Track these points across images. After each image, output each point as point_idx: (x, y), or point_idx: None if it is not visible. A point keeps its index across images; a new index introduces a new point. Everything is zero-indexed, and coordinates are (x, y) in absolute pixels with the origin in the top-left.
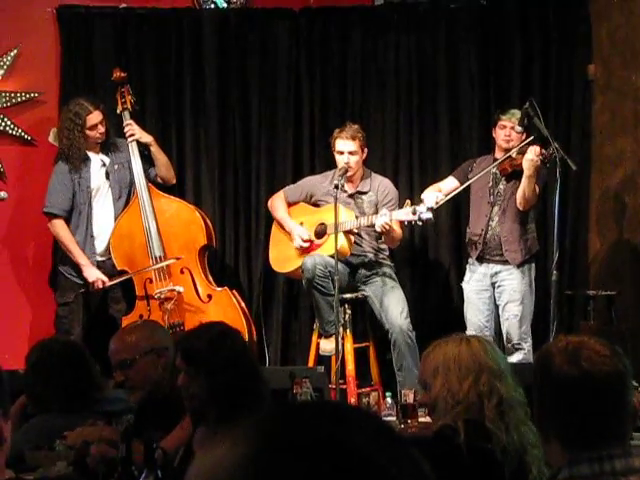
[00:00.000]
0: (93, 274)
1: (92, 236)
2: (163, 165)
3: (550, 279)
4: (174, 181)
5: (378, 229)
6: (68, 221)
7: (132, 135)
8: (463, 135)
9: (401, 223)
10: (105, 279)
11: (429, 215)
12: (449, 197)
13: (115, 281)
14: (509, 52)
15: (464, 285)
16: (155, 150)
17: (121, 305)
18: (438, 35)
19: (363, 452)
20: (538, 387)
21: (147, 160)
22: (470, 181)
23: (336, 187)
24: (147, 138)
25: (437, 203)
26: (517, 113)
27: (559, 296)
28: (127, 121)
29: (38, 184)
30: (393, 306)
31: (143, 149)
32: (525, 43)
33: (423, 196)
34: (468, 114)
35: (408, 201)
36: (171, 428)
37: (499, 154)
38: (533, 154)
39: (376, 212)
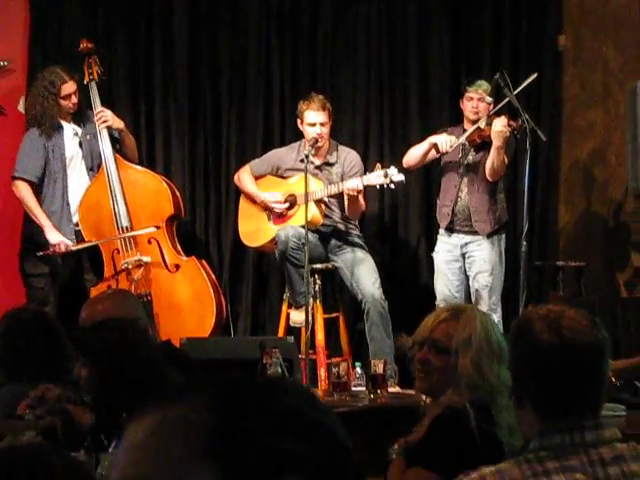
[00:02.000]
0: (56, 237)
1: (68, 204)
2: (130, 149)
3: (519, 250)
4: (137, 162)
5: (345, 192)
6: (39, 188)
7: (105, 122)
8: (433, 104)
9: (367, 192)
10: (68, 243)
11: (401, 177)
12: (447, 151)
13: (78, 247)
14: (479, 22)
15: (434, 255)
16: (125, 135)
17: (90, 276)
18: (408, 4)
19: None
20: (516, 353)
21: (112, 135)
22: (460, 140)
23: (306, 157)
24: (119, 124)
25: (451, 147)
26: (484, 84)
27: (528, 267)
28: (100, 107)
29: (7, 153)
30: (365, 276)
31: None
32: (495, 13)
33: (433, 139)
34: (438, 84)
35: (379, 164)
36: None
37: (468, 125)
38: (501, 125)
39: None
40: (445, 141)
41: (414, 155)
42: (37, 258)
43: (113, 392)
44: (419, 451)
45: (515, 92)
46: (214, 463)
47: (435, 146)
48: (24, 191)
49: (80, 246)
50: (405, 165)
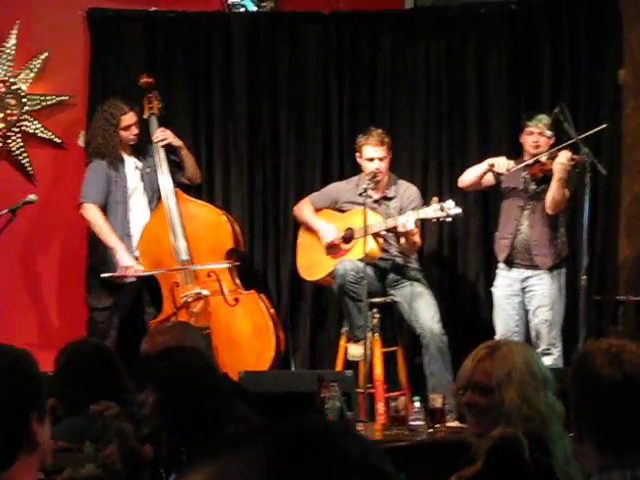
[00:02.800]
0: (127, 260)
1: (129, 235)
2: (190, 167)
3: (579, 284)
4: (200, 180)
5: (399, 227)
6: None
7: (164, 139)
8: (492, 139)
9: (422, 227)
10: (139, 267)
11: (458, 210)
12: (503, 174)
13: (147, 273)
14: (539, 56)
15: (494, 290)
16: (185, 153)
17: (150, 309)
18: (468, 39)
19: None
20: (576, 387)
21: (172, 163)
22: (519, 166)
23: (364, 191)
24: (178, 142)
25: (508, 170)
26: (544, 118)
27: (588, 301)
28: (159, 128)
29: (67, 187)
30: (424, 310)
31: (169, 153)
32: (555, 47)
33: (491, 160)
34: (497, 118)
35: (435, 198)
36: None
37: (527, 159)
38: (565, 158)
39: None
40: (502, 162)
41: (470, 174)
42: (100, 291)
43: (176, 420)
44: None
45: (581, 136)
46: None
47: (492, 166)
48: (92, 212)
49: (149, 272)
50: (461, 184)
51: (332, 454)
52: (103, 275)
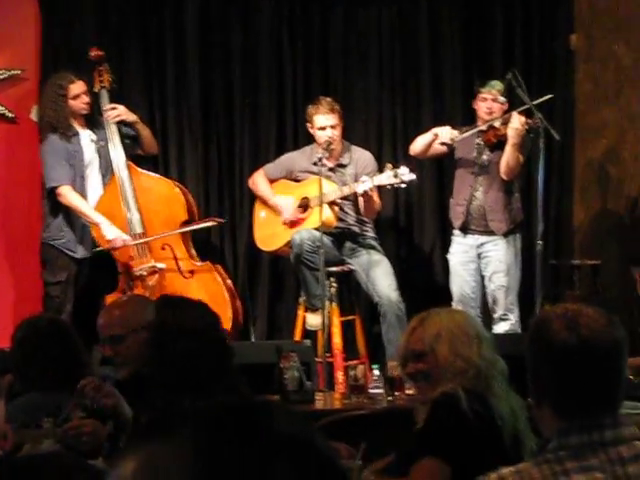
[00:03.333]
0: (113, 233)
1: None
2: (147, 139)
3: (535, 249)
4: (156, 151)
5: (359, 194)
6: None
7: (118, 115)
8: (446, 105)
9: (381, 192)
10: (125, 237)
11: (412, 176)
12: (448, 144)
13: (135, 242)
14: (491, 23)
15: (449, 257)
16: (140, 127)
17: (106, 282)
18: (419, 7)
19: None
20: (533, 352)
21: (126, 137)
22: (463, 135)
23: (319, 160)
24: (132, 117)
25: (452, 140)
26: (497, 84)
27: (544, 266)
28: (110, 105)
29: (21, 161)
30: (381, 278)
31: (122, 126)
32: (507, 14)
33: (435, 130)
34: (451, 85)
35: (389, 164)
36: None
37: (481, 125)
38: (518, 123)
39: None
40: (445, 132)
41: (418, 143)
42: (55, 265)
43: (165, 372)
44: (420, 442)
45: (534, 102)
46: None
47: (436, 136)
48: (70, 195)
49: (137, 241)
50: (411, 152)
51: (260, 433)
52: (95, 249)
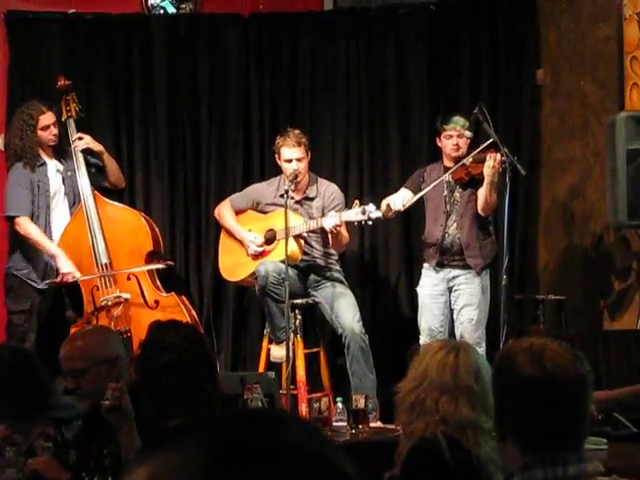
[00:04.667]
0: (68, 266)
1: (51, 240)
2: (113, 172)
3: (500, 284)
4: (124, 185)
5: (327, 230)
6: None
7: (85, 143)
8: (413, 138)
9: (348, 226)
10: (77, 274)
11: (378, 214)
12: (407, 207)
13: (85, 277)
14: (458, 57)
15: (419, 289)
16: (105, 157)
17: (70, 312)
18: (387, 40)
19: (308, 450)
20: (498, 385)
21: (94, 167)
22: (423, 192)
23: (285, 192)
24: (98, 147)
25: (404, 205)
26: (460, 120)
27: (509, 301)
28: (77, 134)
29: None
30: (345, 310)
31: (89, 157)
32: (474, 48)
33: (388, 200)
34: (417, 118)
35: (357, 201)
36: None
37: (448, 162)
38: (494, 161)
39: (323, 217)
40: (396, 202)
41: (381, 208)
42: (18, 294)
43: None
44: None
45: (474, 153)
46: None
47: (388, 207)
48: (27, 226)
49: (87, 277)
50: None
51: (275, 445)
52: (45, 282)
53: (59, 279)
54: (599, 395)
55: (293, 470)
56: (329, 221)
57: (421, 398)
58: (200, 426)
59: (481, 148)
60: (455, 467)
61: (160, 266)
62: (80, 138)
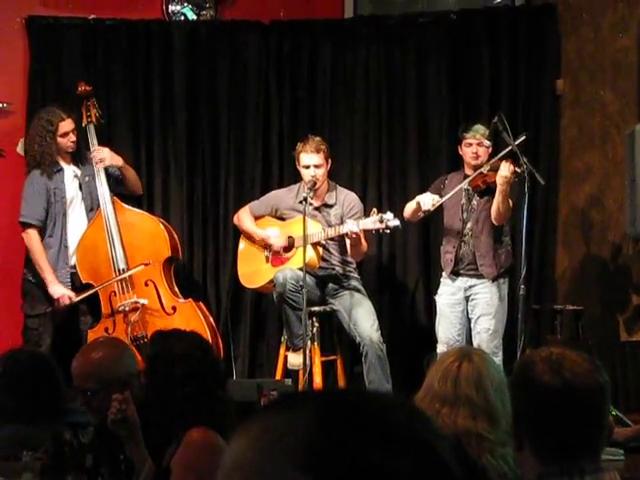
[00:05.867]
0: (58, 291)
1: (66, 247)
2: (131, 182)
3: (517, 293)
4: (141, 192)
5: (347, 237)
6: (42, 231)
7: (101, 161)
8: (431, 149)
9: (367, 235)
10: (71, 294)
11: (396, 222)
12: (435, 207)
13: (80, 297)
14: (478, 66)
15: (437, 298)
16: (125, 169)
17: (87, 318)
18: (408, 49)
19: (407, 428)
20: (516, 394)
21: (112, 176)
22: (450, 194)
23: (304, 200)
24: (117, 161)
25: (434, 205)
26: (480, 128)
27: (526, 310)
28: (95, 147)
29: (7, 195)
30: (363, 319)
31: (108, 167)
32: (494, 57)
33: (418, 198)
34: (437, 128)
35: (375, 209)
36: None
37: (469, 170)
38: (507, 171)
39: (342, 224)
40: (427, 199)
41: (407, 210)
42: (35, 298)
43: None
44: None
45: (515, 143)
46: (310, 478)
47: (419, 204)
48: (33, 239)
49: (82, 296)
50: (405, 218)
51: (384, 425)
52: (46, 310)
53: (56, 305)
54: (625, 431)
55: (400, 454)
56: (347, 228)
57: (424, 409)
58: (309, 397)
59: (499, 157)
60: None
61: (138, 268)
62: (100, 150)
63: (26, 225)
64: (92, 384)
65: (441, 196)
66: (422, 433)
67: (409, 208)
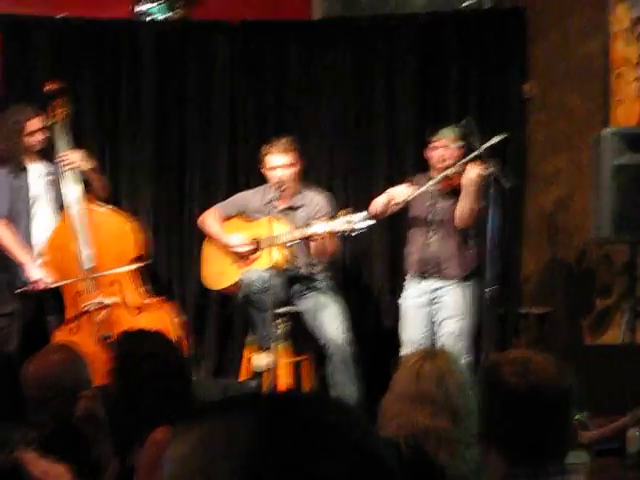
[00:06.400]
0: (37, 273)
1: (31, 245)
2: (99, 188)
3: (483, 296)
4: (107, 195)
5: (312, 238)
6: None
7: (71, 164)
8: (399, 152)
9: (335, 236)
10: (48, 280)
11: (364, 224)
12: (405, 202)
13: (58, 283)
14: (446, 70)
15: (401, 301)
16: (93, 176)
17: (53, 317)
18: (376, 51)
19: (340, 430)
20: (482, 397)
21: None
22: (417, 192)
23: (270, 201)
24: (86, 166)
25: (405, 199)
26: (446, 131)
27: (492, 313)
28: (62, 151)
29: None
30: (328, 321)
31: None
32: (462, 60)
33: (390, 191)
34: (404, 130)
35: (342, 211)
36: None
37: (434, 173)
38: (474, 174)
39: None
40: (399, 192)
41: (375, 205)
42: (1, 297)
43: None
44: None
45: (482, 147)
46: None
47: (392, 198)
48: (2, 230)
49: (59, 283)
50: (370, 214)
51: (327, 430)
52: (17, 291)
53: (30, 287)
54: (590, 434)
55: (334, 451)
56: (313, 229)
57: (384, 409)
58: (245, 400)
59: (465, 160)
60: (414, 474)
61: (133, 267)
62: (65, 155)
63: None
64: (39, 392)
65: (405, 202)
66: (356, 434)
67: (379, 202)
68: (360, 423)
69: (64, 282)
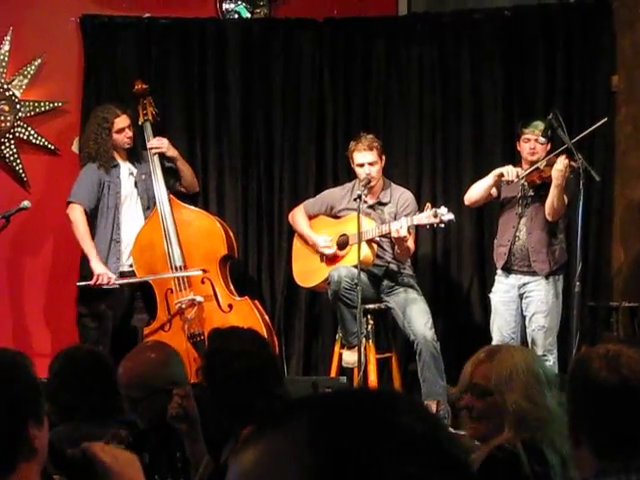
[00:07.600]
0: (100, 268)
1: (118, 241)
2: (187, 177)
3: (573, 290)
4: (198, 189)
5: (393, 234)
6: (91, 221)
7: (158, 148)
8: (486, 145)
9: (417, 234)
10: (112, 276)
11: (451, 216)
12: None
13: (121, 281)
14: (532, 62)
15: (491, 296)
16: (180, 163)
17: (142, 316)
18: (461, 45)
19: (415, 431)
20: (573, 391)
21: (169, 171)
22: (532, 168)
23: (359, 197)
24: (172, 152)
25: (518, 177)
26: (539, 124)
27: (582, 308)
28: (155, 137)
29: (61, 193)
30: (417, 316)
31: (164, 160)
32: (548, 54)
33: (499, 170)
34: (491, 125)
35: (429, 204)
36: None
37: (525, 166)
38: (562, 165)
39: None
40: (511, 170)
41: (477, 189)
42: (92, 297)
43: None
44: None
45: (581, 135)
46: None
47: (501, 176)
48: (78, 215)
49: (123, 281)
50: (467, 201)
51: (388, 427)
52: (79, 284)
53: (93, 281)
54: None
55: (404, 455)
56: (395, 224)
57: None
58: (305, 407)
59: (555, 153)
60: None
61: (196, 273)
62: (159, 140)
63: (73, 203)
64: (136, 392)
65: (499, 191)
66: (425, 429)
67: (481, 185)
68: (430, 419)
69: (128, 280)
